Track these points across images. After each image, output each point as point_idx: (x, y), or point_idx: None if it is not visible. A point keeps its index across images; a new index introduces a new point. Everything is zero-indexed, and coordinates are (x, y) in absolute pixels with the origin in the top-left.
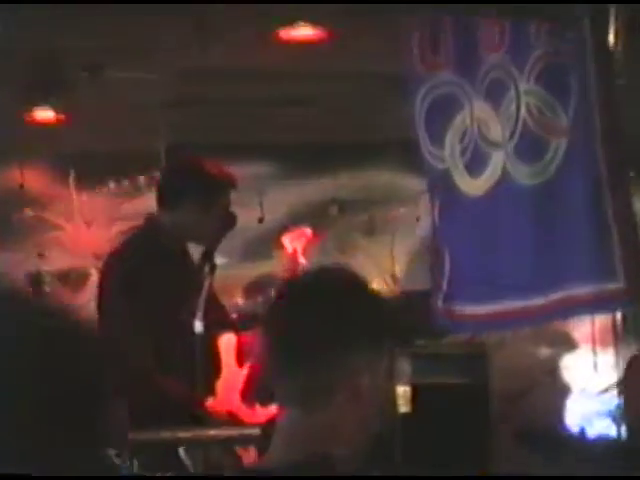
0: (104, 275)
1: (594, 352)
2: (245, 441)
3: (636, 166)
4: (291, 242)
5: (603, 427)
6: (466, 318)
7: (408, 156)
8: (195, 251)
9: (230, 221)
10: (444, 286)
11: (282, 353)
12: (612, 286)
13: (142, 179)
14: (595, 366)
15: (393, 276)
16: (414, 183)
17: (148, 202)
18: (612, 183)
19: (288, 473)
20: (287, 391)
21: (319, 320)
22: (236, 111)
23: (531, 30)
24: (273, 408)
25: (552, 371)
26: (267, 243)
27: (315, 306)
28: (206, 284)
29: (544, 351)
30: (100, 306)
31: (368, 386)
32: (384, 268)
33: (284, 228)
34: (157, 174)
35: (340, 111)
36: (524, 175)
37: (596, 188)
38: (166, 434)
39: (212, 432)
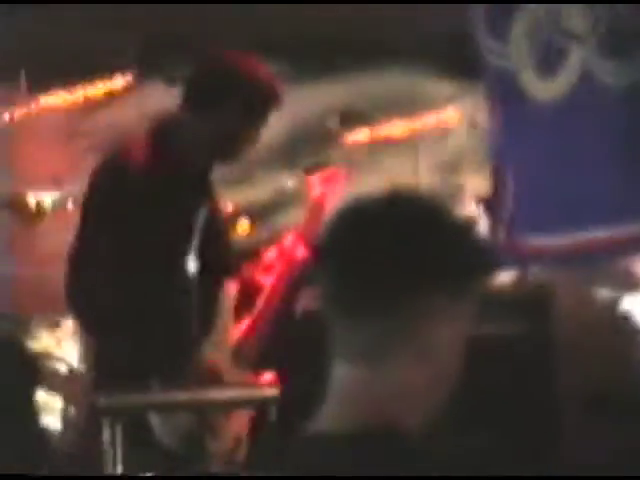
0: (94, 184)
1: None
2: (232, 407)
3: None
4: (321, 184)
5: None
6: (535, 251)
7: (434, 56)
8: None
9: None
10: (507, 213)
11: (342, 301)
12: None
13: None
14: None
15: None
16: (441, 88)
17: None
18: None
19: (348, 441)
20: (349, 346)
21: (383, 260)
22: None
23: None
24: (267, 375)
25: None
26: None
27: (378, 243)
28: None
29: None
30: (82, 218)
31: (447, 339)
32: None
33: (314, 167)
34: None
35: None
36: (611, 74)
37: None
38: (136, 397)
39: (191, 395)
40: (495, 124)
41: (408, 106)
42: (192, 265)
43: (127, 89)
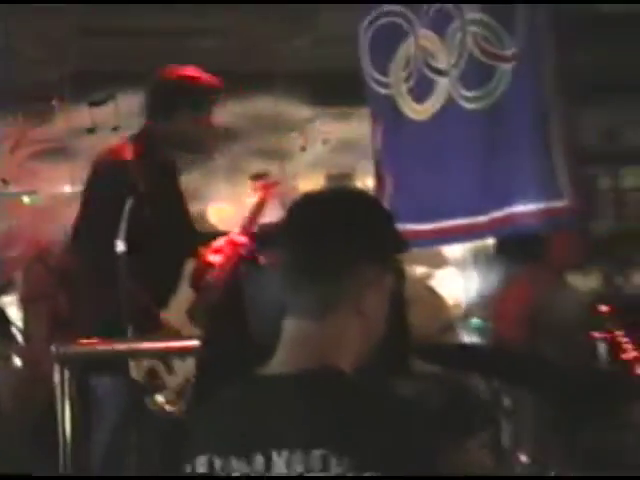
0: (96, 172)
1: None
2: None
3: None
4: (262, 190)
5: None
6: (410, 235)
7: (298, 86)
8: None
9: (218, 133)
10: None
11: (296, 270)
12: (557, 204)
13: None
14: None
15: None
16: (302, 112)
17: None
18: (559, 104)
19: (296, 380)
20: (299, 304)
21: (329, 239)
22: (142, 41)
23: None
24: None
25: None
26: None
27: (325, 226)
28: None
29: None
30: (85, 198)
31: (371, 303)
32: None
33: (261, 174)
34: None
35: (243, 43)
36: (469, 100)
37: (542, 109)
38: (103, 346)
39: (153, 344)
40: (378, 138)
41: (276, 125)
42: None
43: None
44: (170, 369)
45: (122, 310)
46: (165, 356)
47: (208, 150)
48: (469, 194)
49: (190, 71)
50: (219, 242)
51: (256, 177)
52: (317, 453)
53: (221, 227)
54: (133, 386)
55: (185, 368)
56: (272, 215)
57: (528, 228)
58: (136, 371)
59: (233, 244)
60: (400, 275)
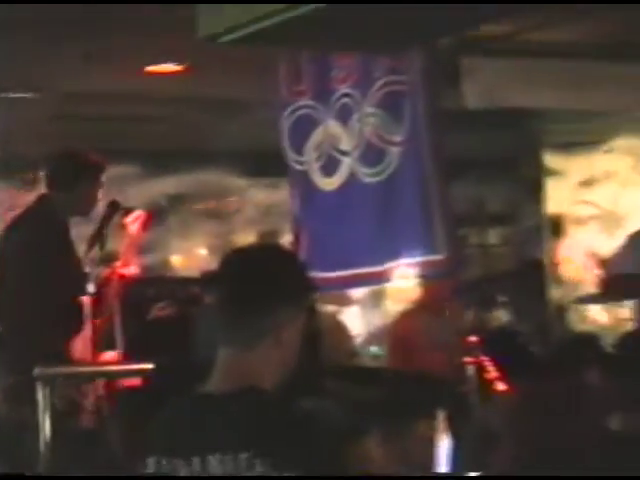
0: (5, 244)
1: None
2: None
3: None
4: (132, 223)
5: None
6: (320, 281)
7: (237, 161)
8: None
9: (114, 204)
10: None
11: (227, 310)
12: (436, 257)
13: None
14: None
15: None
16: (240, 182)
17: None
18: (437, 179)
19: (224, 401)
20: (230, 337)
21: (253, 285)
22: (105, 125)
23: (374, 66)
24: (114, 354)
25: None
26: None
27: (251, 275)
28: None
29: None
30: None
31: (288, 335)
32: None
33: (126, 212)
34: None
35: (188, 128)
36: (367, 175)
37: (424, 183)
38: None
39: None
40: (296, 204)
41: (219, 192)
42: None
43: None
44: (84, 394)
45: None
46: (78, 382)
47: (90, 213)
48: (367, 249)
49: (89, 153)
50: (105, 274)
51: (125, 214)
52: (244, 456)
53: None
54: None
55: (95, 391)
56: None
57: (413, 276)
58: (57, 399)
59: (118, 275)
60: (313, 312)
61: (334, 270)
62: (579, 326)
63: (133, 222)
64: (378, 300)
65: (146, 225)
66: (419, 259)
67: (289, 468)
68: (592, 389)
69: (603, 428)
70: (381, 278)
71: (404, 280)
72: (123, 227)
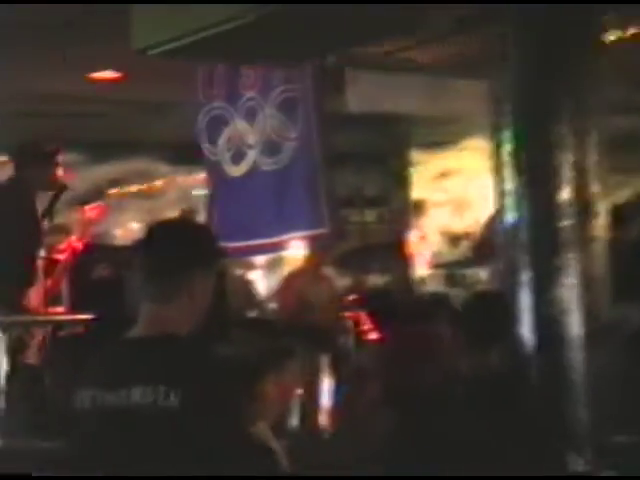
0: None
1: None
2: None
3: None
4: (91, 210)
5: None
6: (229, 250)
7: (164, 152)
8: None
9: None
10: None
11: (149, 270)
12: (321, 230)
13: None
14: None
15: None
16: (165, 169)
17: None
18: (323, 168)
19: (147, 344)
20: (151, 293)
21: (171, 250)
22: (58, 121)
23: (274, 76)
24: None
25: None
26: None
27: (170, 241)
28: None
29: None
30: None
31: (200, 292)
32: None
33: (86, 201)
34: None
35: (124, 124)
36: (267, 164)
37: (313, 171)
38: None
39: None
40: (210, 187)
41: (149, 176)
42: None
43: None
44: (31, 335)
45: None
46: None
47: (52, 189)
48: (266, 224)
49: (47, 143)
50: (62, 245)
51: (84, 203)
52: (162, 388)
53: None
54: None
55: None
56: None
57: (304, 245)
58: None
59: (72, 247)
60: (222, 274)
61: (240, 241)
62: (436, 287)
63: (92, 210)
64: (276, 266)
65: (101, 215)
66: (308, 232)
67: (199, 400)
68: (443, 338)
69: (452, 370)
70: (278, 247)
71: (296, 249)
72: (83, 212)
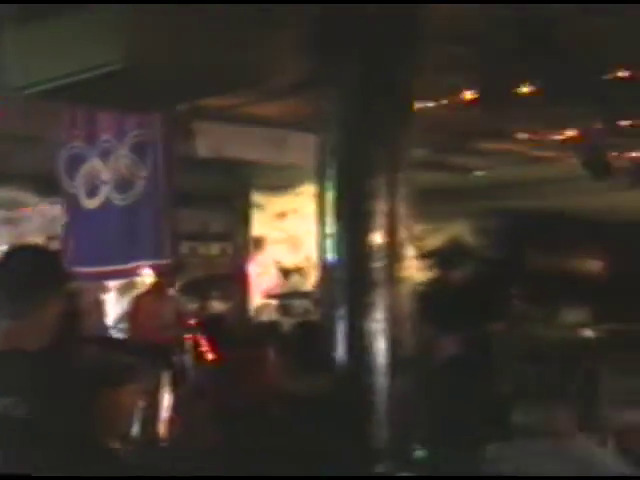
0: None
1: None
2: None
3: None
4: None
5: None
6: (83, 274)
7: (30, 182)
8: None
9: None
10: (69, 256)
11: (6, 292)
12: (164, 261)
13: None
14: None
15: None
16: (31, 198)
17: None
18: (168, 205)
19: (4, 355)
20: (8, 312)
21: (24, 275)
22: None
23: (128, 121)
24: None
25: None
26: None
27: (23, 267)
28: None
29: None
30: None
31: (49, 313)
32: None
33: None
34: None
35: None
36: (119, 199)
37: (159, 208)
38: None
39: None
40: (67, 217)
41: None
42: None
43: None
44: None
45: None
46: None
47: None
48: (117, 252)
49: None
50: None
51: None
52: (12, 400)
53: None
54: None
55: None
56: None
57: (148, 273)
58: None
59: None
60: (72, 296)
61: (93, 266)
62: (269, 315)
63: None
64: (126, 289)
65: None
66: (152, 261)
67: (45, 409)
68: (269, 362)
69: (280, 389)
70: (127, 274)
71: (142, 276)
72: None
